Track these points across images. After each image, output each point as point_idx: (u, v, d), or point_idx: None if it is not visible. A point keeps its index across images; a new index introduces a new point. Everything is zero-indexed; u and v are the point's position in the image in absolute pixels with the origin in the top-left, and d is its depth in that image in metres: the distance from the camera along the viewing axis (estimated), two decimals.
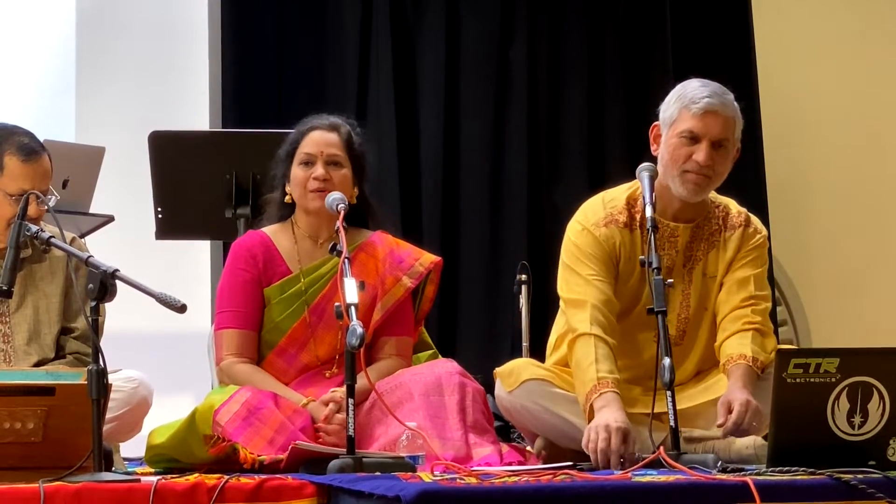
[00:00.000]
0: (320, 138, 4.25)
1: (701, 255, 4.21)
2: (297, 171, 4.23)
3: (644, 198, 4.00)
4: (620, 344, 4.07)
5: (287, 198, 4.27)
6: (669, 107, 4.15)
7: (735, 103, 4.16)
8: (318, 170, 4.20)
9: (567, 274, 4.17)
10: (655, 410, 3.89)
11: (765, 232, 4.30)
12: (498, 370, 4.24)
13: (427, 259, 4.34)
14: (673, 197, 4.14)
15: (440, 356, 4.41)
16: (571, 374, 4.10)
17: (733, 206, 4.30)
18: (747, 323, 4.12)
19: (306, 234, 4.29)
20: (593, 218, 4.19)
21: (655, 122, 4.19)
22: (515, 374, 4.15)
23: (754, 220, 4.31)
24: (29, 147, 4.09)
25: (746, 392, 3.92)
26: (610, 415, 3.86)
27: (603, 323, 4.04)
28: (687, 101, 4.10)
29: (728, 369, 4.05)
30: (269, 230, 4.31)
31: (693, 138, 4.08)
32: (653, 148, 4.20)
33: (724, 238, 4.22)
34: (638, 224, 4.17)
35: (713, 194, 4.26)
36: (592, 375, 3.95)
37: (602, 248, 4.14)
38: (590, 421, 3.90)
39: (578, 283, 4.12)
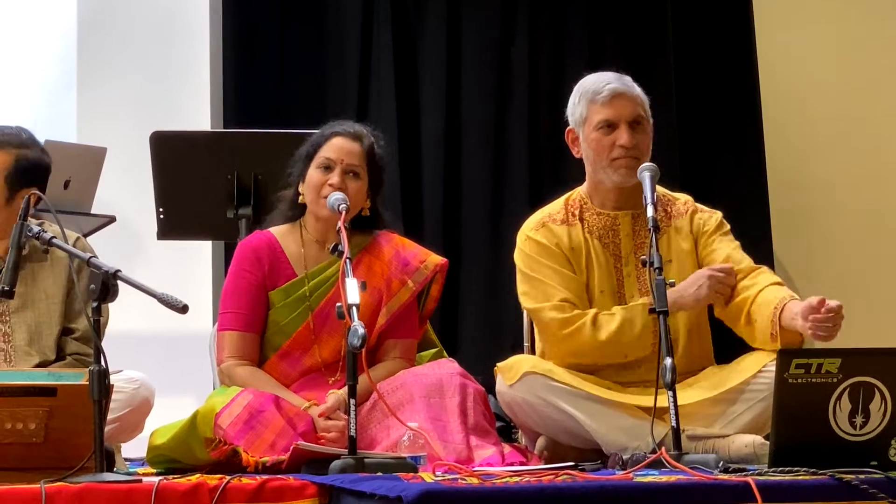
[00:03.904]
0: (343, 145, 4.22)
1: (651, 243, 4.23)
2: (313, 174, 4.20)
3: (645, 198, 4.01)
4: None
5: (300, 198, 4.26)
6: (576, 108, 4.29)
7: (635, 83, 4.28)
8: (335, 177, 4.16)
9: (528, 283, 4.27)
10: (647, 404, 3.89)
11: (717, 212, 4.36)
12: (499, 365, 4.25)
13: (432, 262, 4.33)
14: (608, 189, 4.26)
15: (445, 354, 4.41)
16: (572, 372, 4.14)
17: (682, 197, 4.39)
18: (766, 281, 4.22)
19: (314, 239, 4.27)
20: (532, 224, 4.33)
21: (569, 128, 4.31)
22: (515, 367, 4.16)
23: (702, 206, 4.38)
24: None
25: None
26: (694, 279, 4.10)
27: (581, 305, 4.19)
28: (591, 95, 4.24)
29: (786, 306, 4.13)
30: (277, 231, 4.30)
31: (610, 125, 4.20)
32: (574, 152, 4.32)
33: (675, 226, 4.31)
34: (577, 218, 4.28)
35: (657, 188, 4.32)
36: (639, 310, 4.11)
37: (547, 246, 4.25)
38: (684, 308, 4.11)
39: (541, 286, 4.23)
